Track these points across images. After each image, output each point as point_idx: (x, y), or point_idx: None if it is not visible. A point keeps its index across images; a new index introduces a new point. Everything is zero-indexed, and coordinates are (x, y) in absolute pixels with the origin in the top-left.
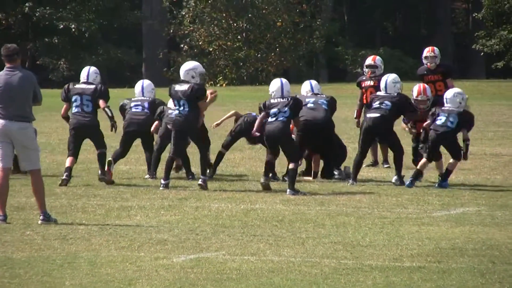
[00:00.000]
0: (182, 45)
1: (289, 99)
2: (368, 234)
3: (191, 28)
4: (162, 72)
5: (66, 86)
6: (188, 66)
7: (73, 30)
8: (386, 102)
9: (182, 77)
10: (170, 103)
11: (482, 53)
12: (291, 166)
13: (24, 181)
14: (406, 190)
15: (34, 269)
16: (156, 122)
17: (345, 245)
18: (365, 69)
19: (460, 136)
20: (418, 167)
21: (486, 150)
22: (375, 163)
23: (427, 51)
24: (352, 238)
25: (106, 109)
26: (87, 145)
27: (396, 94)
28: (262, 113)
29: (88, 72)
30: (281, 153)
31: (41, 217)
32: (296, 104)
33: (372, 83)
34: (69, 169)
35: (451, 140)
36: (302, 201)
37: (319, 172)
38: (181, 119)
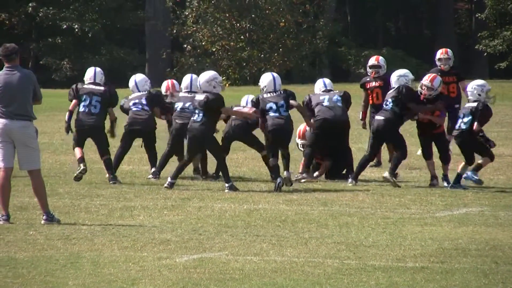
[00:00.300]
0: (185, 45)
1: (282, 92)
2: (371, 234)
3: (194, 28)
4: (165, 72)
5: (74, 86)
6: (209, 76)
7: (76, 30)
8: (388, 100)
9: (202, 89)
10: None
11: (485, 54)
12: (285, 151)
13: (27, 181)
14: (409, 190)
15: (37, 269)
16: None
17: (348, 245)
18: (369, 70)
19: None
20: (458, 170)
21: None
22: (378, 164)
23: (440, 53)
24: (355, 238)
25: (114, 122)
26: (90, 144)
27: (396, 86)
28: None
29: (95, 73)
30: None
31: (44, 217)
32: (289, 94)
33: (377, 83)
34: (82, 159)
35: (470, 140)
36: (305, 201)
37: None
38: (195, 126)
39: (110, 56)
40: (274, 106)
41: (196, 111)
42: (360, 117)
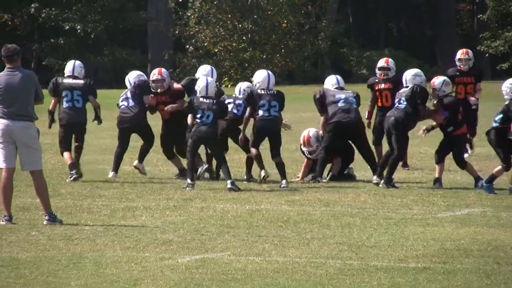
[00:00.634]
0: (187, 46)
1: (275, 92)
2: (373, 235)
3: (197, 29)
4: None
5: (53, 80)
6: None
7: (79, 31)
8: (402, 98)
9: (209, 94)
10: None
11: (487, 55)
12: (277, 159)
13: (29, 181)
14: (411, 191)
15: (39, 269)
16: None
17: (350, 246)
18: (378, 71)
19: None
20: (493, 172)
21: (492, 151)
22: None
23: (461, 53)
24: (357, 239)
25: (97, 109)
26: (92, 145)
27: (410, 86)
28: (248, 111)
29: (74, 66)
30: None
31: (46, 218)
32: (282, 97)
33: (386, 85)
34: (73, 165)
35: (501, 138)
36: (307, 202)
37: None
38: (204, 129)
39: (113, 56)
40: (266, 105)
41: (206, 114)
42: (366, 116)
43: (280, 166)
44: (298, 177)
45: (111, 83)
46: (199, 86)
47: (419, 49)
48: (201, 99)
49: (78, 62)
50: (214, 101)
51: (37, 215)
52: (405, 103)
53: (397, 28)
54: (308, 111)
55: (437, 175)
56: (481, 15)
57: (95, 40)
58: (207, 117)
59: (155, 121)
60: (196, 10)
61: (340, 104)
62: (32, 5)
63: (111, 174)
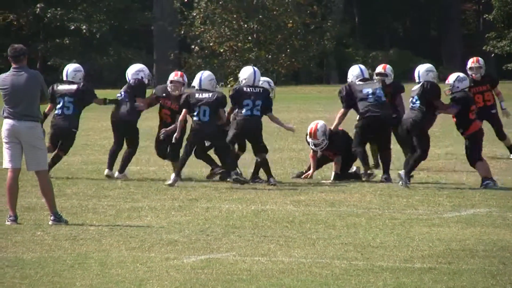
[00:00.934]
0: (193, 46)
1: (261, 90)
2: (379, 235)
3: (202, 29)
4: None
5: (52, 86)
6: (210, 76)
7: (84, 31)
8: (414, 97)
9: (204, 86)
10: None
11: (493, 55)
12: (261, 156)
13: (34, 181)
14: (417, 191)
15: (44, 269)
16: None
17: (355, 246)
18: (375, 77)
19: None
20: None
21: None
22: (377, 166)
23: (471, 62)
24: (363, 239)
25: (106, 102)
26: (96, 145)
27: (422, 82)
28: (230, 109)
29: (67, 72)
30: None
31: (51, 218)
32: (267, 95)
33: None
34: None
35: None
36: (313, 202)
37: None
38: (201, 127)
39: (118, 57)
40: (250, 104)
41: (202, 110)
42: None
43: (263, 165)
44: (308, 173)
45: (116, 83)
46: (196, 80)
47: (425, 49)
48: (196, 95)
49: (73, 66)
50: (210, 94)
51: (42, 215)
52: (418, 102)
53: (403, 28)
54: (313, 111)
55: (482, 176)
56: (487, 15)
57: (100, 40)
58: (204, 114)
59: (153, 122)
60: (202, 10)
61: (370, 100)
62: (38, 5)
63: (106, 171)
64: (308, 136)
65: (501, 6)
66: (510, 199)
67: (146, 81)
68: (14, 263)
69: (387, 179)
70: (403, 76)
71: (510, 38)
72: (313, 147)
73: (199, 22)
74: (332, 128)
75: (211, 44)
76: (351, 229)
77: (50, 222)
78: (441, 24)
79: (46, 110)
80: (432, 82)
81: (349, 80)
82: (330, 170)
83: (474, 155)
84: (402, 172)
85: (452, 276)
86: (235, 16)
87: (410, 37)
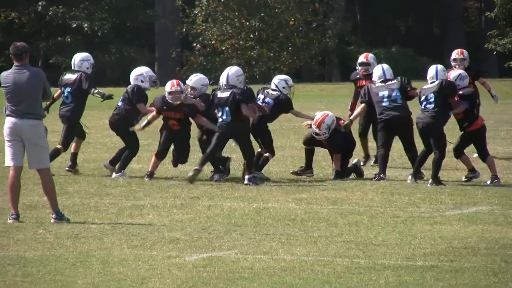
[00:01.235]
0: (194, 44)
1: (231, 93)
2: (381, 233)
3: (204, 27)
4: (175, 71)
5: (60, 77)
6: (237, 71)
7: (86, 29)
8: (429, 95)
9: (231, 83)
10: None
11: (494, 52)
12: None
13: (36, 179)
14: (419, 189)
15: (46, 267)
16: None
17: (357, 244)
18: (358, 67)
19: None
20: None
21: (499, 149)
22: (367, 159)
23: (456, 53)
24: (365, 237)
25: (95, 94)
26: (98, 143)
27: (438, 81)
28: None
29: (74, 61)
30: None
31: (53, 216)
32: (239, 99)
33: (367, 82)
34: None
35: None
36: (315, 200)
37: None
38: (224, 128)
39: (120, 55)
40: (228, 110)
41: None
42: (349, 108)
43: (247, 159)
44: (308, 122)
45: (118, 81)
46: (223, 77)
47: (427, 46)
48: (218, 94)
49: (80, 56)
50: (229, 92)
51: (44, 213)
52: (432, 100)
53: (405, 26)
54: (315, 109)
55: (493, 174)
56: (489, 13)
57: (102, 38)
58: (225, 114)
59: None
60: (203, 8)
61: (384, 104)
62: (39, 3)
63: (105, 162)
64: (313, 124)
65: (503, 4)
66: None
67: (146, 85)
68: (16, 261)
69: (417, 176)
70: (405, 74)
71: None
72: (314, 135)
73: (201, 20)
74: (351, 118)
75: (213, 42)
76: (353, 227)
77: (52, 220)
78: (443, 22)
79: (55, 95)
80: (449, 80)
81: (373, 79)
82: (330, 169)
83: (483, 151)
84: (414, 180)
85: (454, 274)
86: (237, 14)
87: (412, 35)
